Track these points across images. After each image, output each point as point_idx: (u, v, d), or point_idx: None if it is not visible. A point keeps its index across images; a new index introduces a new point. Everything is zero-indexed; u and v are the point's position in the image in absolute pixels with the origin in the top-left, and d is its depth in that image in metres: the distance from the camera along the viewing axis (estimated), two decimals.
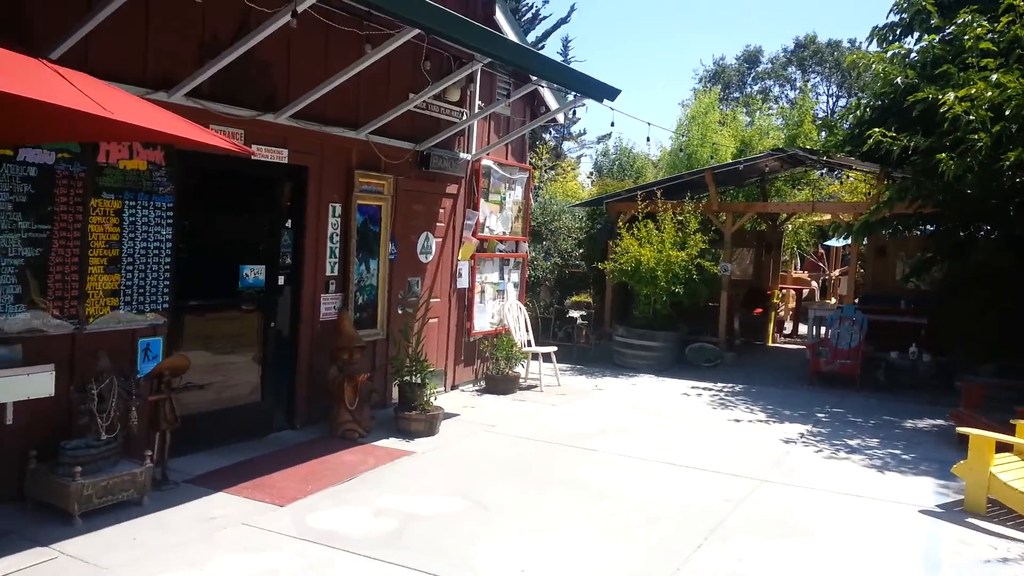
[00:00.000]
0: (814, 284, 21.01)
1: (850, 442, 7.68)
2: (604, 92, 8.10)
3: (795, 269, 22.10)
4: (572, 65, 36.36)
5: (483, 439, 7.29)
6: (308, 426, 7.21)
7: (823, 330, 11.61)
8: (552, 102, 10.37)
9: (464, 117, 8.95)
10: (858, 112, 9.41)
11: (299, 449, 6.66)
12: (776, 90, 43.98)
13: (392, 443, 6.97)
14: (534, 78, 7.80)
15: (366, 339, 7.70)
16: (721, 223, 12.14)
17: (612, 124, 21.60)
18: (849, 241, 19.82)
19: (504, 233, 10.01)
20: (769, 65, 45.05)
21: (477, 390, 9.51)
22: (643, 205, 11.62)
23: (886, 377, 10.51)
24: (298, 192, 7.02)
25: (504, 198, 9.94)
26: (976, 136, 7.47)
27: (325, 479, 5.85)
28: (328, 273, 7.31)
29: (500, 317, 9.94)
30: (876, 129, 8.38)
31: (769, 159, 11.31)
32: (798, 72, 43.80)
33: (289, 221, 7.01)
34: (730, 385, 10.66)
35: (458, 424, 7.76)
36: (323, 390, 7.09)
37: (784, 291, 16.35)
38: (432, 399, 7.44)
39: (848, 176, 13.44)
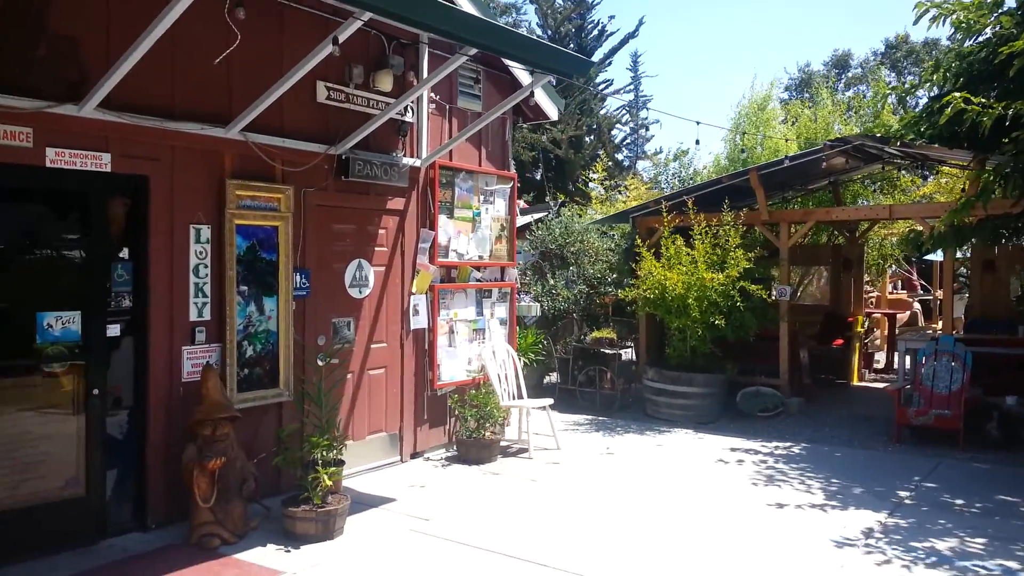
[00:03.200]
0: (916, 306, 17.87)
1: (942, 544, 5.17)
2: (570, 65, 6.13)
3: (893, 289, 19.02)
4: (642, 80, 34.68)
5: (399, 549, 5.21)
6: (168, 525, 5.34)
7: (915, 368, 8.94)
8: (541, 96, 8.34)
9: (409, 114, 7.04)
10: (935, 77, 6.91)
11: (132, 566, 4.78)
12: (870, 95, 40.42)
13: (265, 555, 5.00)
14: (472, 51, 5.79)
15: (259, 403, 5.83)
16: (775, 236, 9.69)
17: (697, 142, 19.16)
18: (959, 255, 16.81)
19: (481, 257, 7.98)
20: (860, 70, 41.53)
21: (445, 458, 7.45)
22: (670, 217, 9.34)
23: (1000, 431, 7.77)
24: (136, 211, 5.23)
25: (478, 214, 7.93)
26: None
27: None
28: (193, 318, 5.47)
29: (482, 362, 7.87)
30: (956, 94, 5.94)
31: (831, 153, 8.84)
32: (892, 74, 40.08)
33: (125, 250, 5.23)
34: (787, 444, 8.17)
35: (379, 519, 5.71)
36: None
37: (872, 317, 13.54)
38: (325, 484, 5.36)
39: (938, 173, 10.69)
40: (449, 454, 7.56)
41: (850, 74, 41.79)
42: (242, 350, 5.75)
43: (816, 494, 6.33)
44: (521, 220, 13.26)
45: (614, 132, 29.99)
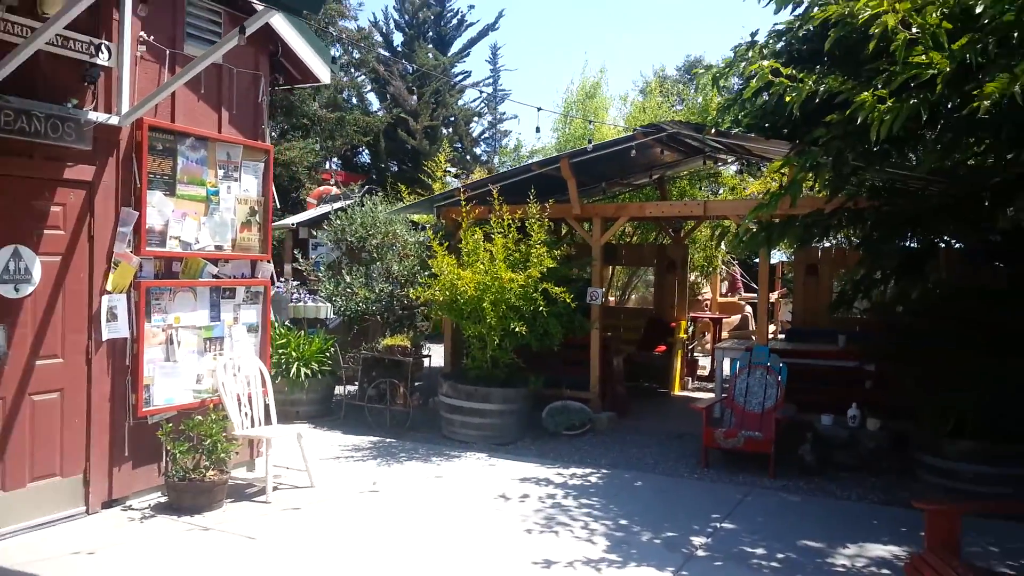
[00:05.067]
0: (748, 310, 17.66)
1: None
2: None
3: (727, 292, 18.82)
4: (501, 73, 33.68)
5: None
6: None
7: (729, 381, 8.14)
8: (305, 51, 6.84)
9: (104, 56, 5.34)
10: (751, 54, 5.99)
11: None
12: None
13: None
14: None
15: None
16: (588, 232, 8.64)
17: (537, 129, 18.03)
18: (785, 257, 16.58)
19: (220, 248, 6.37)
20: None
21: (152, 506, 5.79)
22: (468, 208, 8.07)
23: (814, 455, 7.02)
24: None
25: (214, 192, 6.31)
26: (926, 62, 4.22)
27: None
28: None
29: (220, 380, 6.26)
30: (764, 63, 4.99)
31: (644, 140, 7.86)
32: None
33: None
34: (586, 471, 7.09)
35: None
36: None
37: (697, 321, 12.95)
38: None
39: (765, 169, 10.10)
40: (163, 500, 5.91)
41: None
42: None
43: (597, 543, 5.20)
44: (321, 209, 11.70)
45: (472, 126, 28.90)
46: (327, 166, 23.27)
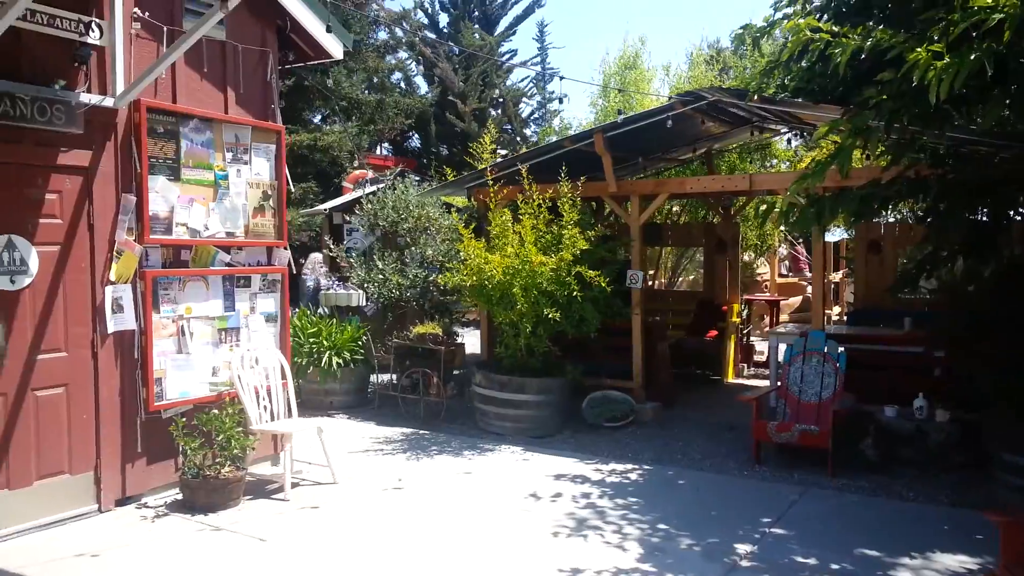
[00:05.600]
0: (810, 291, 16.80)
1: None
2: None
3: (787, 272, 17.95)
4: (549, 51, 33.00)
5: None
6: None
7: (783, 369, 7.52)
8: (313, 24, 6.47)
9: (95, 34, 5.06)
10: (793, 10, 5.36)
11: None
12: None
13: None
14: None
15: None
16: (625, 212, 8.10)
17: (561, 100, 17.49)
18: (847, 234, 15.59)
19: (232, 234, 6.08)
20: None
21: (167, 504, 5.57)
22: (496, 188, 7.61)
23: (877, 450, 6.39)
24: None
25: (223, 176, 6.01)
26: (990, 4, 3.61)
27: None
28: None
29: (235, 373, 5.99)
30: (800, 21, 4.40)
31: (683, 111, 7.24)
32: None
33: None
34: (627, 466, 6.62)
35: None
36: None
37: (751, 304, 12.25)
38: None
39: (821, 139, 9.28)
40: (179, 497, 5.68)
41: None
42: None
43: (629, 550, 4.73)
44: (354, 194, 11.41)
45: (521, 106, 28.34)
46: (378, 151, 23.06)
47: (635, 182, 8.34)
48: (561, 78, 28.97)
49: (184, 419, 5.61)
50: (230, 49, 6.07)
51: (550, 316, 7.13)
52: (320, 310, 9.38)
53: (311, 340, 8.53)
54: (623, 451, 7.11)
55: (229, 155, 6.05)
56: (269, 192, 6.39)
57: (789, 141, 10.23)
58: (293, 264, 6.76)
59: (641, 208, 7.93)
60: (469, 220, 7.80)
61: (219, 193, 5.97)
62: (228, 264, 6.08)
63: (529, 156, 8.21)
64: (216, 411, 5.73)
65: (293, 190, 9.27)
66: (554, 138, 18.70)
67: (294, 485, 5.98)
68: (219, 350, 6.02)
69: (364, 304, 9.95)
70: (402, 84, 25.78)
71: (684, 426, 7.94)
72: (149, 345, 5.50)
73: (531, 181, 7.53)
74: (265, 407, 6.06)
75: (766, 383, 9.61)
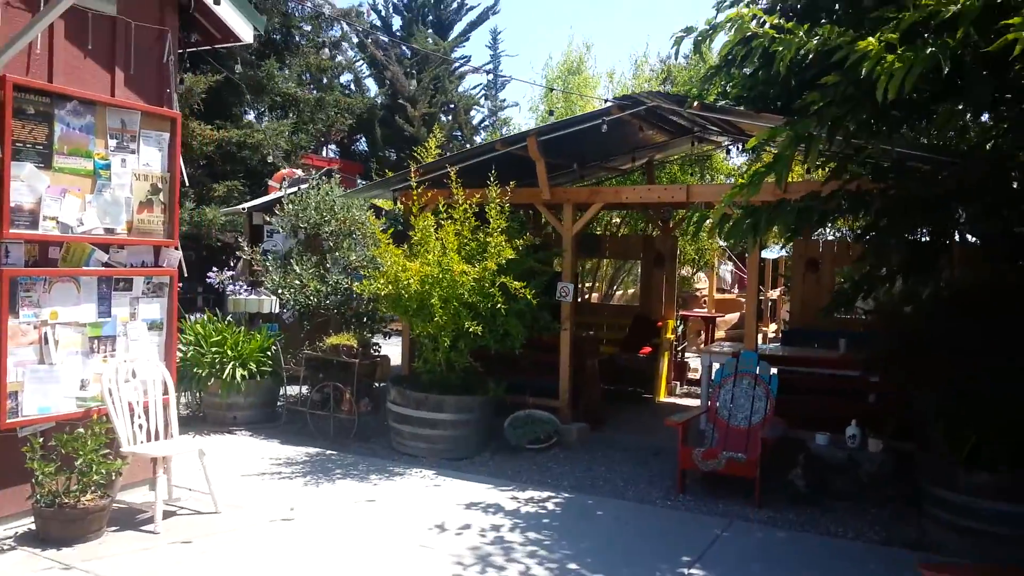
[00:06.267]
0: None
1: None
2: None
3: (733, 288, 17.85)
4: (501, 59, 32.68)
5: None
6: None
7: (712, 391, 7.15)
8: (230, 14, 5.89)
9: None
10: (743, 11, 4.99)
11: None
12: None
13: None
14: None
15: None
16: (558, 220, 7.67)
17: (508, 108, 17.08)
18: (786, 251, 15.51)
19: (112, 231, 5.43)
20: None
21: (20, 535, 4.89)
22: (419, 191, 7.11)
23: (806, 480, 6.06)
24: None
25: (105, 166, 5.37)
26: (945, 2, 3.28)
27: None
28: None
29: (107, 387, 5.33)
30: (743, 10, 4.05)
31: (619, 115, 6.86)
32: None
33: None
34: (545, 494, 6.15)
35: None
36: None
37: (687, 320, 11.96)
38: None
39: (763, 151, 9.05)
40: (34, 527, 5.00)
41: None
42: None
43: None
44: (277, 194, 10.77)
45: (472, 113, 27.91)
46: (324, 153, 22.28)
47: (569, 190, 7.92)
48: (507, 79, 28.54)
49: (42, 439, 4.95)
50: (121, 25, 5.45)
51: (471, 329, 6.65)
52: (229, 317, 8.71)
53: (213, 350, 7.87)
54: (543, 476, 6.66)
55: (113, 142, 5.41)
56: (160, 185, 5.76)
57: (728, 151, 9.95)
58: (184, 265, 6.13)
59: (575, 217, 7.51)
60: (394, 224, 7.27)
61: (98, 184, 5.33)
62: (106, 264, 5.43)
63: (459, 158, 7.73)
64: (81, 430, 5.07)
65: (209, 187, 8.63)
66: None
67: (170, 515, 5.36)
68: (91, 361, 5.36)
69: (280, 311, 9.32)
70: (352, 85, 25.14)
71: (610, 449, 7.53)
72: (3, 354, 4.83)
73: (460, 185, 7.05)
74: (141, 426, 5.42)
75: (698, 402, 9.27)
